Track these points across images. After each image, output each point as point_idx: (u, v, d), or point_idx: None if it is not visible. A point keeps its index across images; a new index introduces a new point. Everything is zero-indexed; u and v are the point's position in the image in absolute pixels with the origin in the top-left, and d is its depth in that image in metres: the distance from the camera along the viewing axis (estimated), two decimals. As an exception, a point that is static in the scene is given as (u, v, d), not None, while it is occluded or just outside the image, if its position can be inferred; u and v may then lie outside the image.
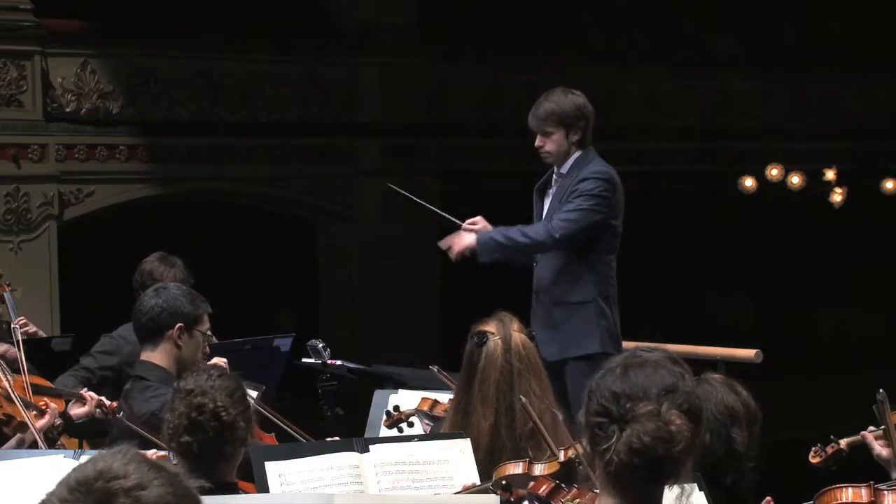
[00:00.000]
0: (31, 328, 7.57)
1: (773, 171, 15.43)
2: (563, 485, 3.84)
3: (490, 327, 4.90)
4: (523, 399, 4.46)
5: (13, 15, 11.20)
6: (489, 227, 6.75)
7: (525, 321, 5.20)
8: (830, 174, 15.89)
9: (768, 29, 16.53)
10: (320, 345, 6.96)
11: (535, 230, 6.64)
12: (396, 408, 5.51)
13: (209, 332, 5.76)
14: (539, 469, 4.42)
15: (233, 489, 4.28)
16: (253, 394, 5.25)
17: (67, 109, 11.51)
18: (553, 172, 6.80)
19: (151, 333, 5.66)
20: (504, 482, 4.12)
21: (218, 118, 12.39)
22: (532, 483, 4.05)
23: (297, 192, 13.09)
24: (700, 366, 4.54)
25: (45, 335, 7.95)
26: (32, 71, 11.27)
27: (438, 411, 5.41)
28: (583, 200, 6.58)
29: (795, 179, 15.60)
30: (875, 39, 16.44)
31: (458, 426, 4.84)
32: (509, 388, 4.79)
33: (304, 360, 7.01)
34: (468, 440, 4.71)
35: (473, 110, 13.76)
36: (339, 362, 6.97)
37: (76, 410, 6.16)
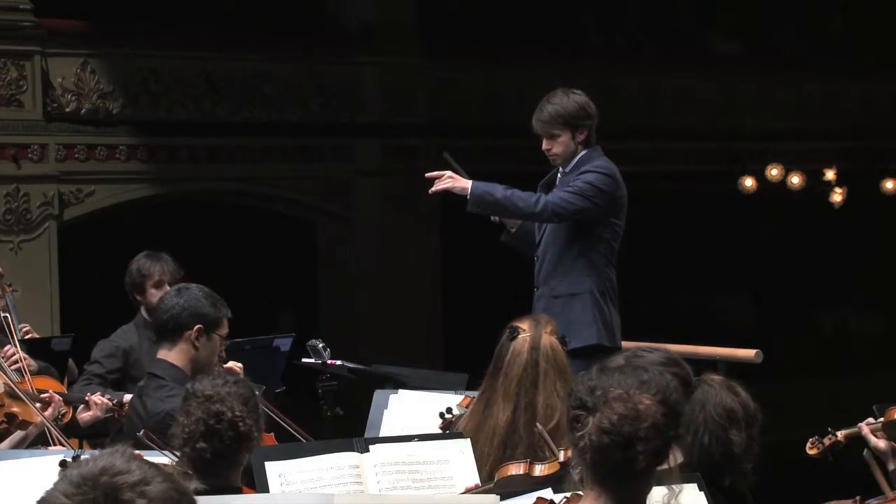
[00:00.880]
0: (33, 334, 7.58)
1: (773, 171, 15.43)
2: (552, 500, 3.84)
3: (524, 324, 4.96)
4: (539, 427, 4.48)
5: (13, 15, 11.21)
6: None
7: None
8: (830, 174, 15.89)
9: (768, 29, 16.53)
10: (320, 345, 6.96)
11: (533, 201, 6.59)
12: (449, 409, 5.49)
13: (226, 337, 5.77)
14: (539, 469, 4.43)
15: (237, 493, 4.28)
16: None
17: (67, 109, 11.52)
18: (557, 170, 6.80)
19: (170, 332, 5.64)
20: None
21: (218, 118, 12.39)
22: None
23: (296, 192, 13.09)
24: (700, 366, 4.55)
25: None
26: (32, 71, 11.27)
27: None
28: (582, 185, 6.58)
29: (795, 179, 15.60)
30: (875, 39, 16.45)
31: (478, 414, 4.88)
32: (532, 385, 4.83)
33: (304, 360, 7.00)
34: (468, 440, 4.72)
35: (473, 110, 13.76)
36: (339, 362, 6.97)
37: (83, 415, 6.16)
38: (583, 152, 6.70)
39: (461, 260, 13.09)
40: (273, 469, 4.43)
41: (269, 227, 13.18)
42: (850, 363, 15.59)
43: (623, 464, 3.14)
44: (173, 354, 5.62)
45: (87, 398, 6.20)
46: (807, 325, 16.96)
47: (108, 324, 7.44)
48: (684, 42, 15.94)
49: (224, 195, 12.90)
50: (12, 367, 6.20)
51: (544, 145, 6.72)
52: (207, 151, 12.43)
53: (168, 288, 7.20)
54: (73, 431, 6.15)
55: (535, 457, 4.60)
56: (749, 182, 15.46)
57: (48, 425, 5.53)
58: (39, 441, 5.70)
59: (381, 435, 5.59)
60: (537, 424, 4.50)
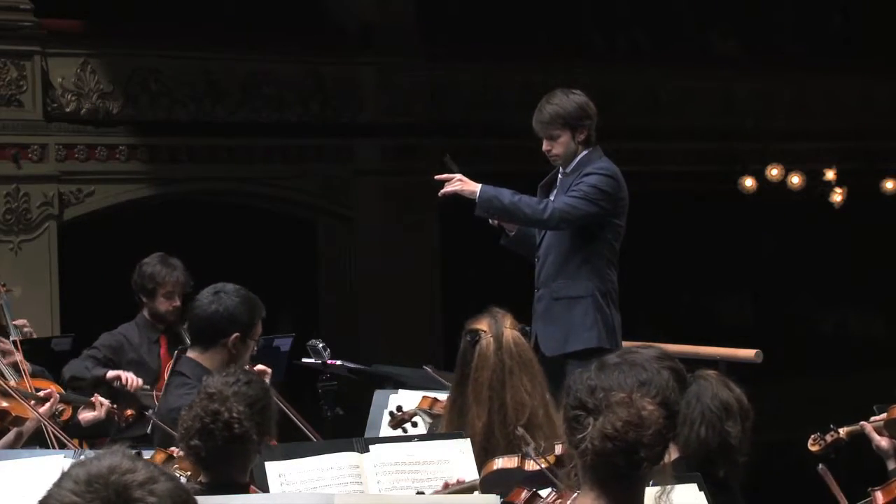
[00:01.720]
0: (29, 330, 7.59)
1: (773, 171, 15.43)
2: (539, 492, 3.84)
3: (482, 325, 4.93)
4: (521, 430, 4.47)
5: (13, 15, 11.20)
6: None
7: (525, 318, 5.21)
8: (830, 174, 15.90)
9: (768, 29, 16.53)
10: (320, 345, 6.96)
11: (541, 208, 6.58)
12: (399, 408, 5.51)
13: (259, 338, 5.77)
14: (531, 464, 4.44)
15: (242, 489, 4.26)
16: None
17: (67, 109, 11.51)
18: (558, 171, 6.79)
19: (208, 338, 5.60)
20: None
21: (218, 118, 12.38)
22: (510, 493, 4.05)
23: (297, 192, 13.09)
24: (701, 366, 4.57)
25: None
26: (32, 71, 11.27)
27: (438, 409, 5.42)
28: (587, 189, 6.57)
29: (795, 179, 15.60)
30: (875, 39, 16.44)
31: (454, 425, 4.87)
32: (501, 386, 4.83)
33: (304, 360, 7.01)
34: (468, 440, 4.72)
35: (473, 110, 13.76)
36: (339, 362, 6.97)
37: (85, 416, 6.15)
38: (583, 152, 6.70)
39: (461, 260, 13.10)
40: (273, 469, 4.43)
41: (269, 227, 13.18)
42: (850, 363, 15.58)
43: (625, 468, 3.15)
44: (206, 357, 5.56)
45: (93, 399, 6.18)
46: (807, 325, 16.96)
47: (108, 324, 7.45)
48: (684, 42, 15.94)
49: (224, 195, 12.89)
50: (6, 363, 6.20)
51: (545, 146, 6.71)
52: (207, 151, 12.42)
53: (177, 300, 7.23)
54: (73, 431, 6.14)
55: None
56: (749, 182, 15.46)
57: (44, 422, 5.52)
58: (36, 441, 5.68)
59: (381, 435, 5.59)
60: (519, 427, 4.52)
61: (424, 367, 5.99)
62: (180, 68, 12.22)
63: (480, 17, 14.38)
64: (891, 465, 5.15)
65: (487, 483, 4.43)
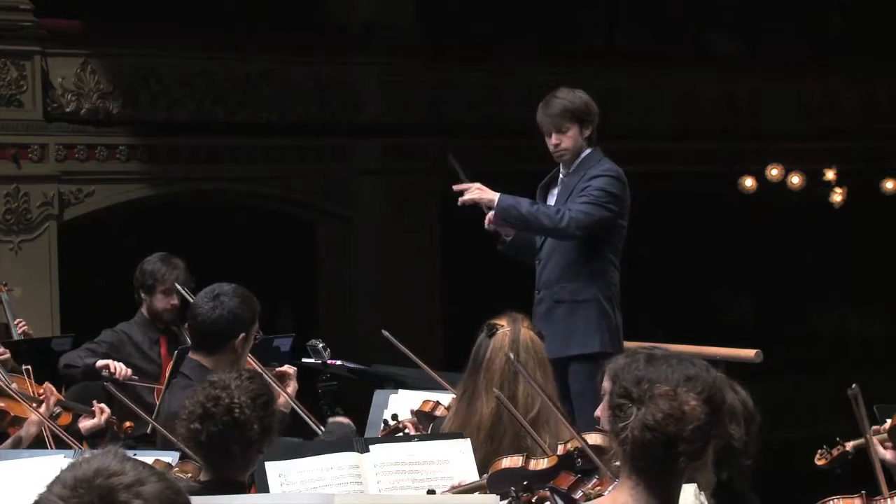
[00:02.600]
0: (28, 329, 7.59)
1: (773, 171, 15.43)
2: (584, 478, 3.91)
3: (501, 321, 5.01)
4: (524, 422, 4.49)
5: (13, 15, 11.21)
6: None
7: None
8: (830, 174, 15.89)
9: (768, 29, 16.53)
10: (320, 345, 6.96)
11: (559, 217, 6.55)
12: (395, 416, 5.51)
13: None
14: (536, 463, 4.46)
15: (239, 489, 4.27)
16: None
17: (67, 109, 11.52)
18: (558, 171, 6.78)
19: (215, 343, 5.60)
20: (525, 483, 4.15)
21: (218, 118, 12.38)
22: (556, 479, 4.12)
23: (297, 192, 13.09)
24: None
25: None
26: (32, 71, 11.27)
27: (440, 413, 5.43)
28: (598, 193, 6.56)
29: (795, 179, 15.60)
30: (875, 39, 16.44)
31: (462, 413, 4.91)
32: (514, 376, 4.86)
33: (304, 360, 7.00)
34: (468, 440, 4.73)
35: (473, 110, 13.76)
36: (339, 362, 6.98)
37: (85, 424, 6.13)
38: (587, 150, 6.69)
39: (461, 260, 13.09)
40: (273, 469, 4.43)
41: (268, 226, 13.18)
42: (850, 363, 15.58)
43: (664, 461, 3.18)
44: (212, 360, 5.56)
45: (94, 406, 6.17)
46: (807, 325, 16.95)
47: (107, 324, 7.45)
48: (684, 42, 15.94)
49: (224, 195, 12.89)
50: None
51: (553, 140, 6.68)
52: (207, 151, 12.42)
53: (176, 299, 7.23)
54: (73, 438, 6.13)
55: (519, 446, 4.66)
56: (749, 182, 15.46)
57: (45, 421, 5.52)
58: (37, 445, 5.67)
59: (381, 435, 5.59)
60: (522, 420, 4.55)
61: (383, 331, 6.07)
62: (180, 68, 12.22)
63: (481, 17, 14.38)
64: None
65: (493, 482, 4.44)
